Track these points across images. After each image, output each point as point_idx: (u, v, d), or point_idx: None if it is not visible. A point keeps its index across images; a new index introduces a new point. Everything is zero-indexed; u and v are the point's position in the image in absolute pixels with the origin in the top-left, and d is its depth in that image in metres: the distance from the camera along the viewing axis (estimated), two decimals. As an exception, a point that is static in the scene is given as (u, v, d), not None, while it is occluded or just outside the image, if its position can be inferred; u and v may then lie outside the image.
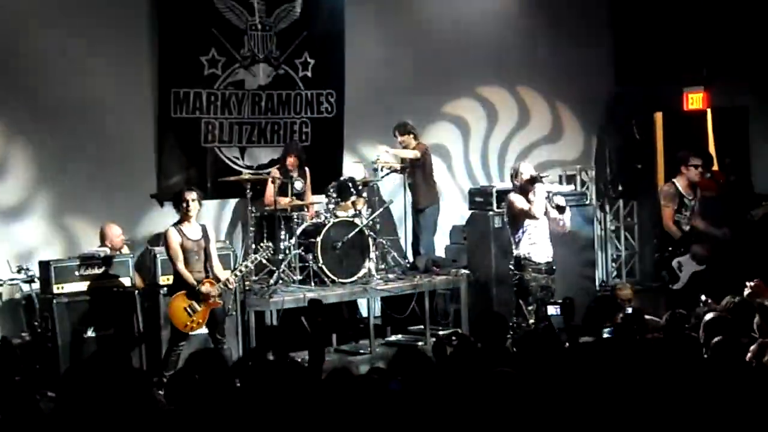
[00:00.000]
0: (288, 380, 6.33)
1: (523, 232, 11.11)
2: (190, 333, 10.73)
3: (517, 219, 11.16)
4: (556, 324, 9.12)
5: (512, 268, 11.35)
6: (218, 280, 10.69)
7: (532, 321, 10.89)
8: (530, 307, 11.05)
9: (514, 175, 11.29)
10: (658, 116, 15.65)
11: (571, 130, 16.26)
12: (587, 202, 14.47)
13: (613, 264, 16.15)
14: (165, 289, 11.15)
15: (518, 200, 11.13)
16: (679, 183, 12.22)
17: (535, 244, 11.12)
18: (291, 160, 12.88)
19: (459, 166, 15.44)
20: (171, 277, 10.93)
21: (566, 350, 8.01)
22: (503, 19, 15.51)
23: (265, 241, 11.76)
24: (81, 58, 12.42)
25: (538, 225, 11.12)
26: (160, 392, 9.74)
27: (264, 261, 11.82)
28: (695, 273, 11.93)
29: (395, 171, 13.69)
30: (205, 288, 10.55)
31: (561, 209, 11.23)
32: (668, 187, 12.36)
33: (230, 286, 10.87)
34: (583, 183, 15.63)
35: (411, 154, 13.48)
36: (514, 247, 11.26)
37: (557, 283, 11.36)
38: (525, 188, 11.11)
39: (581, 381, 6.65)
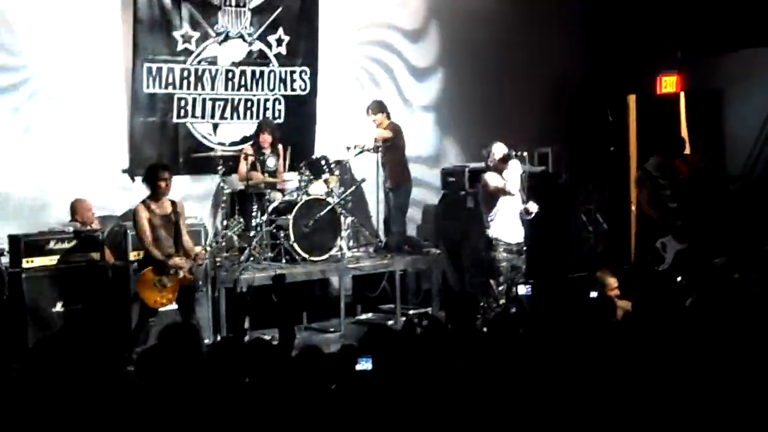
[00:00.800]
0: (258, 358, 6.31)
1: (497, 211, 11.16)
2: (159, 309, 10.70)
3: (492, 198, 11.22)
4: (526, 304, 9.13)
5: (483, 248, 11.40)
6: (188, 255, 10.66)
7: (502, 301, 10.93)
8: (500, 288, 11.10)
9: (487, 155, 11.35)
10: (632, 99, 15.66)
11: (543, 110, 16.27)
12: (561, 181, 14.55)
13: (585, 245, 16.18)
14: (135, 264, 11.10)
15: (492, 178, 11.19)
16: (650, 167, 12.32)
17: (507, 225, 11.18)
18: (264, 137, 12.85)
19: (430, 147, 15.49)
20: (142, 253, 10.90)
21: (535, 332, 8.01)
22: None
23: (236, 216, 11.71)
24: (53, 31, 12.33)
25: (511, 205, 11.17)
26: (130, 368, 9.78)
27: (235, 237, 11.80)
28: (679, 251, 12.00)
29: (368, 150, 13.65)
30: (174, 261, 10.51)
31: (529, 213, 11.30)
32: (639, 173, 12.50)
33: (200, 261, 10.85)
34: (555, 163, 15.62)
35: (384, 134, 13.46)
36: (486, 227, 11.30)
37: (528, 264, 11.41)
38: (498, 167, 11.16)
39: (548, 362, 6.66)
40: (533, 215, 11.30)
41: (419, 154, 15.04)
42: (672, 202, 12.30)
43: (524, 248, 11.30)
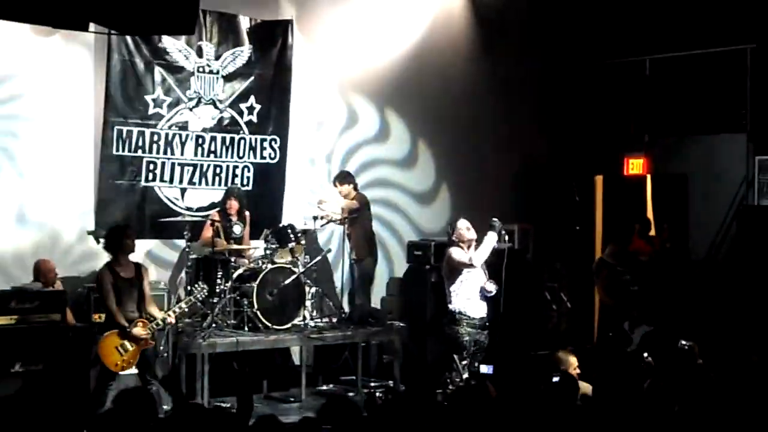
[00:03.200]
0: (215, 426, 6.28)
1: (460, 285, 11.21)
2: (120, 372, 10.66)
3: (455, 271, 11.29)
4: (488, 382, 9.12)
5: (445, 322, 11.43)
6: (151, 320, 10.63)
7: (465, 376, 10.92)
8: (464, 362, 11.10)
9: (451, 230, 11.59)
10: (599, 179, 15.79)
11: (510, 188, 16.37)
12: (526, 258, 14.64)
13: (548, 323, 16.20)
14: (97, 327, 11.06)
15: (456, 252, 11.29)
16: (606, 256, 12.48)
17: (470, 300, 11.24)
18: (231, 204, 12.83)
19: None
20: (104, 315, 10.85)
21: (497, 406, 8.00)
22: (445, 77, 15.67)
23: (200, 282, 11.69)
24: (25, 86, 12.36)
25: (474, 280, 11.22)
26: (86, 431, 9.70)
27: (198, 303, 11.76)
28: (646, 333, 12.04)
29: (333, 221, 13.65)
30: (137, 330, 10.50)
31: (488, 292, 11.37)
32: (594, 265, 12.66)
33: (170, 321, 10.83)
34: (520, 240, 15.68)
35: (350, 204, 13.48)
36: (449, 301, 11.33)
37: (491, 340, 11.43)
38: (464, 241, 11.25)
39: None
40: (492, 294, 11.35)
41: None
42: (633, 285, 12.36)
43: (487, 323, 11.34)
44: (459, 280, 11.27)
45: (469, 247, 11.38)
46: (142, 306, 10.67)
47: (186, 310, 11.67)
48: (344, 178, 13.66)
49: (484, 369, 9.49)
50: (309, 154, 14.64)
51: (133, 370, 10.79)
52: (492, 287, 11.28)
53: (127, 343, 10.52)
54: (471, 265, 11.20)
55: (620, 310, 12.36)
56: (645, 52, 16.31)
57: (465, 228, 11.41)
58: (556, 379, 9.04)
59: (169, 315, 10.93)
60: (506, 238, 11.61)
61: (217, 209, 13.02)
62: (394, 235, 15.38)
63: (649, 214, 15.39)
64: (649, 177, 15.96)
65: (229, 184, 13.47)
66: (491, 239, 11.29)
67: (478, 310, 11.29)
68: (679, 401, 7.74)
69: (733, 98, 15.49)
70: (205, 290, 11.35)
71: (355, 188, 13.65)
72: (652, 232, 14.65)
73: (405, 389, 8.42)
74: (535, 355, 12.77)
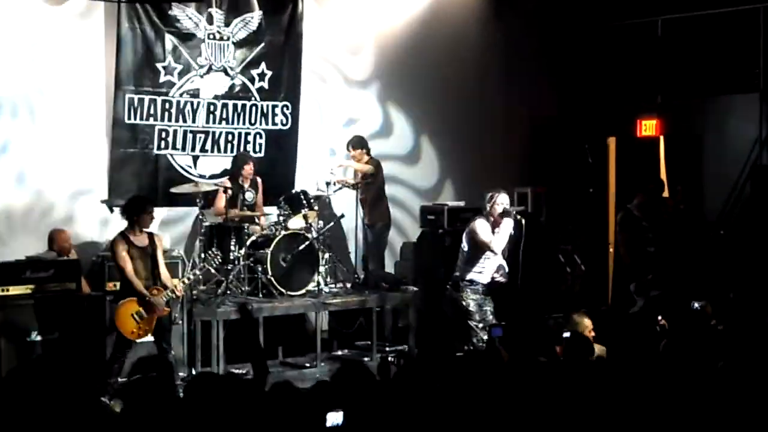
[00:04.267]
0: (231, 393, 6.30)
1: (477, 261, 11.15)
2: (136, 340, 10.72)
3: (476, 248, 11.19)
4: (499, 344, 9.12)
5: (449, 287, 11.38)
6: (166, 288, 10.69)
7: (482, 339, 10.89)
8: (480, 325, 11.06)
9: (489, 201, 11.26)
10: (612, 141, 15.74)
11: (523, 150, 16.36)
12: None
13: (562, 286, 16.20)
14: (111, 295, 11.11)
15: (483, 230, 11.15)
16: (633, 207, 12.36)
17: (482, 274, 11.17)
18: (243, 170, 12.83)
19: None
20: (118, 284, 10.90)
21: (508, 370, 8.01)
22: (458, 36, 15.61)
23: (214, 249, 11.71)
24: (37, 56, 12.38)
25: (492, 260, 11.15)
26: (104, 398, 9.76)
27: (212, 270, 11.79)
28: (652, 297, 12.03)
29: (347, 186, 13.67)
30: (154, 297, 10.56)
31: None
32: (620, 215, 12.52)
33: (177, 294, 10.88)
34: (534, 203, 15.66)
35: (365, 168, 13.51)
36: (457, 266, 11.29)
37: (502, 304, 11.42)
38: (494, 218, 11.15)
39: (524, 401, 6.66)
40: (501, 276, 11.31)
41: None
42: (651, 245, 12.29)
43: (492, 287, 11.28)
44: (478, 258, 11.19)
45: (495, 225, 11.26)
46: (156, 274, 10.73)
47: (200, 277, 11.73)
48: (358, 143, 13.69)
49: (495, 332, 9.47)
50: (321, 120, 14.61)
51: (150, 338, 10.86)
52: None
53: (143, 311, 10.60)
54: (492, 251, 11.11)
55: (634, 271, 12.32)
56: (657, 12, 16.22)
57: (502, 204, 11.20)
58: (567, 334, 9.05)
59: (182, 282, 10.99)
60: (522, 222, 11.38)
61: (229, 176, 13.02)
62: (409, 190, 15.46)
63: (663, 176, 15.33)
64: (662, 138, 15.90)
65: (241, 150, 13.45)
66: (507, 225, 11.17)
67: (484, 277, 11.23)
68: (694, 362, 7.73)
69: (746, 58, 15.40)
70: (218, 257, 11.39)
71: (368, 153, 13.67)
72: (666, 194, 14.61)
73: (418, 354, 8.44)
74: (549, 318, 12.76)
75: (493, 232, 11.12)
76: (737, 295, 12.54)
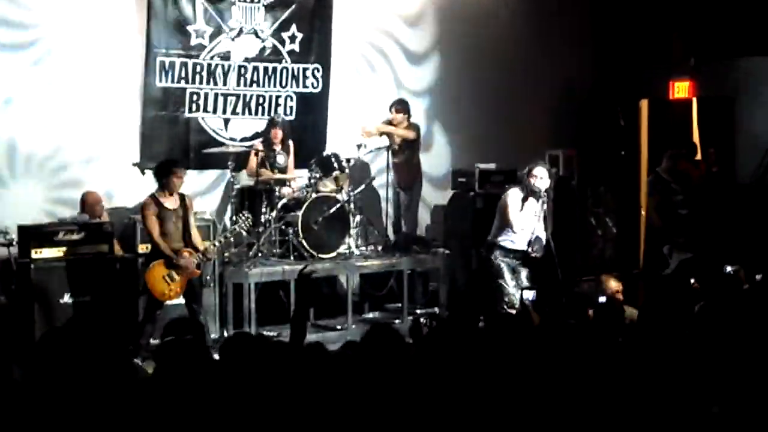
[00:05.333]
0: (267, 354, 6.32)
1: (506, 230, 11.15)
2: (167, 302, 10.79)
3: (502, 219, 11.21)
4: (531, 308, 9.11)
5: (483, 249, 11.39)
6: (197, 250, 10.74)
7: (515, 296, 10.89)
8: (512, 287, 11.07)
9: (528, 173, 11.24)
10: (644, 103, 15.65)
11: (554, 112, 16.30)
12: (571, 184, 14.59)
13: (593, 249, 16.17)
14: (143, 257, 11.18)
15: (512, 204, 11.17)
16: (662, 171, 12.29)
17: (514, 243, 11.16)
18: (275, 133, 12.83)
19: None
20: (150, 246, 10.95)
21: (540, 334, 8.01)
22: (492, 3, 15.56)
23: (244, 212, 11.75)
24: (66, 19, 12.40)
25: (525, 232, 11.12)
26: (136, 360, 9.82)
27: (243, 232, 11.82)
28: (684, 260, 11.99)
29: (383, 147, 13.65)
30: (183, 260, 10.61)
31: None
32: (651, 177, 12.46)
33: (209, 256, 10.92)
34: (565, 166, 15.62)
35: (406, 133, 13.49)
36: (492, 232, 11.29)
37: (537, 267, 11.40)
38: (529, 190, 11.13)
39: (553, 365, 6.66)
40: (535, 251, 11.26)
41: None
42: (682, 208, 12.24)
43: (525, 255, 11.25)
44: (505, 229, 11.19)
45: (528, 197, 11.19)
46: (188, 236, 10.78)
47: (231, 239, 11.75)
48: (401, 105, 13.67)
49: (527, 295, 9.44)
50: (352, 82, 14.58)
51: (181, 300, 10.93)
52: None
53: (174, 273, 10.65)
54: (511, 229, 11.11)
55: (666, 233, 12.28)
56: (691, -27, 16.11)
57: (539, 177, 11.14)
58: (602, 299, 9.03)
59: (213, 245, 11.04)
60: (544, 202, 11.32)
61: (261, 139, 13.04)
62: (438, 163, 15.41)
63: (695, 138, 15.26)
64: (695, 100, 15.81)
65: (272, 113, 13.45)
66: (531, 206, 11.09)
67: (515, 243, 11.23)
68: (728, 326, 7.69)
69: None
70: (249, 219, 11.42)
71: (409, 117, 13.64)
72: (698, 157, 14.54)
73: (448, 316, 8.45)
74: (581, 281, 12.74)
75: (523, 207, 11.10)
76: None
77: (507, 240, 11.21)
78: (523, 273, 11.24)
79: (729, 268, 10.07)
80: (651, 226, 12.98)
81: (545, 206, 11.18)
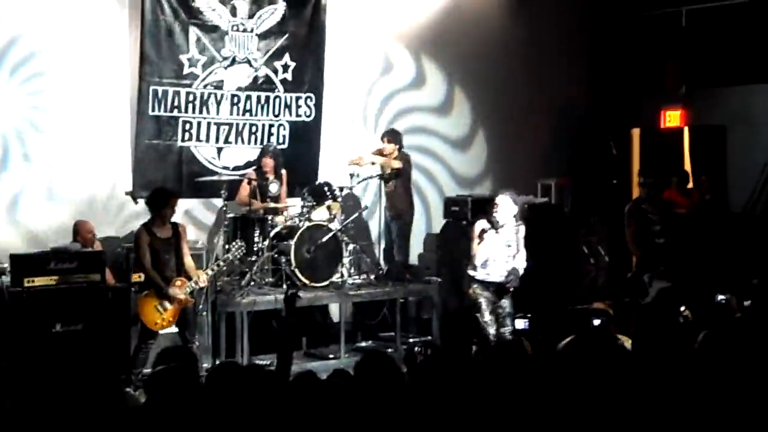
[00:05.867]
0: (254, 383, 6.30)
1: (476, 254, 11.10)
2: (159, 331, 10.77)
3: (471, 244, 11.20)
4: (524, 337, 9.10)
5: (465, 282, 11.36)
6: (190, 279, 10.74)
7: (492, 332, 10.89)
8: (487, 320, 11.04)
9: (491, 201, 11.26)
10: (635, 132, 15.71)
11: (547, 141, 16.35)
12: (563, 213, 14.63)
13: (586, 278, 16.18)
14: (136, 286, 11.16)
15: (475, 231, 11.16)
16: (640, 200, 12.36)
17: (484, 266, 11.10)
18: (267, 162, 12.85)
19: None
20: (143, 275, 10.94)
21: (533, 361, 8.00)
22: (481, 29, 15.59)
23: (237, 240, 11.75)
24: (60, 47, 12.40)
25: (493, 248, 11.06)
26: (128, 389, 9.78)
27: (236, 261, 11.82)
28: (663, 289, 12.00)
29: (374, 177, 13.65)
30: (174, 289, 10.61)
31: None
32: (627, 207, 12.52)
33: (201, 285, 10.91)
34: (558, 194, 15.65)
35: (393, 164, 13.49)
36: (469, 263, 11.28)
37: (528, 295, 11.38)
38: (488, 220, 11.09)
39: (547, 390, 6.65)
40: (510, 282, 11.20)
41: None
42: (660, 237, 12.24)
43: (505, 287, 11.18)
44: (474, 253, 11.15)
45: (491, 225, 11.08)
46: (181, 265, 10.77)
47: (224, 268, 11.75)
48: (392, 135, 13.67)
49: (520, 324, 9.44)
50: (345, 111, 14.60)
51: (174, 329, 10.92)
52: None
53: (165, 303, 10.65)
54: (473, 260, 11.10)
55: (644, 262, 12.29)
56: (681, 2, 16.17)
57: (500, 205, 11.10)
58: (597, 322, 9.02)
59: (206, 273, 11.03)
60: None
61: (254, 168, 13.05)
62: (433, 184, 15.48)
63: (687, 167, 15.30)
64: (686, 129, 15.86)
65: (265, 142, 13.47)
66: (490, 238, 11.07)
67: (491, 275, 11.17)
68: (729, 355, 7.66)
69: (769, 47, 15.36)
70: (242, 248, 11.43)
71: (400, 148, 13.64)
72: (690, 185, 14.57)
73: (439, 345, 8.44)
74: (573, 310, 12.74)
75: (482, 239, 11.06)
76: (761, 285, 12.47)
77: (481, 272, 11.16)
78: (506, 303, 11.17)
79: (720, 297, 10.07)
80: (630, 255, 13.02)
81: (517, 234, 11.11)
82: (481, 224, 11.11)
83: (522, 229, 11.15)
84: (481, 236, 11.02)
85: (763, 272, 13.08)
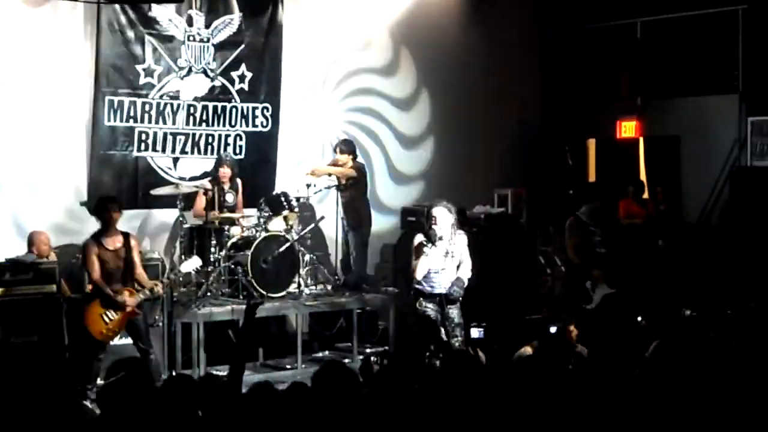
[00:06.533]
0: (208, 394, 6.29)
1: (419, 265, 11.01)
2: (110, 342, 10.70)
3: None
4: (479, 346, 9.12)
5: (412, 295, 11.26)
6: (139, 289, 10.63)
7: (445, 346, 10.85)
8: (441, 332, 10.99)
9: (427, 214, 11.07)
10: (591, 143, 15.79)
11: (503, 152, 16.41)
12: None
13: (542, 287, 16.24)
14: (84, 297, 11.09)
15: (415, 244, 10.98)
16: (582, 214, 12.45)
17: (427, 278, 11.02)
18: (223, 172, 12.81)
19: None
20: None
21: (488, 369, 8.03)
22: (438, 38, 15.65)
23: (194, 252, 11.72)
24: (16, 58, 12.35)
25: (434, 260, 10.96)
26: (85, 402, 9.73)
27: (192, 272, 11.77)
28: (606, 295, 12.09)
29: (330, 188, 13.64)
30: (122, 297, 10.50)
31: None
32: (569, 221, 12.62)
33: (156, 295, 10.85)
34: (514, 204, 15.69)
35: (346, 172, 13.48)
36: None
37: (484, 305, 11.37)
38: (429, 232, 10.98)
39: (503, 399, 6.67)
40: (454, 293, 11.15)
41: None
42: (601, 247, 12.33)
43: (452, 298, 11.01)
44: (414, 263, 11.04)
45: (429, 239, 10.84)
46: (130, 276, 10.69)
47: (180, 279, 11.71)
48: (345, 145, 13.66)
49: (475, 333, 9.43)
50: (301, 121, 14.60)
51: (129, 340, 10.85)
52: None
53: (111, 312, 10.55)
54: (413, 273, 11.00)
55: (585, 271, 12.39)
56: (636, 14, 16.29)
57: (436, 218, 10.85)
58: (553, 329, 9.03)
59: (157, 284, 10.94)
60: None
61: (209, 178, 13.00)
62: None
63: (642, 177, 15.39)
64: (641, 139, 15.96)
65: (221, 152, 13.43)
66: (430, 254, 11.01)
67: (435, 288, 10.99)
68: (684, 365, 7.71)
69: (725, 59, 15.48)
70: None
71: (354, 158, 13.64)
72: (646, 195, 14.67)
73: (394, 355, 8.44)
74: (529, 320, 12.80)
75: (421, 252, 10.90)
76: (718, 297, 12.58)
77: (425, 285, 11.11)
78: (454, 313, 11.05)
79: (687, 312, 10.12)
80: (570, 265, 13.08)
81: (455, 245, 11.04)
82: (418, 238, 10.98)
83: (462, 237, 11.07)
84: (419, 251, 10.92)
85: (721, 282, 13.23)
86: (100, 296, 10.55)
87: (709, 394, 6.95)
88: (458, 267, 10.99)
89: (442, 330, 10.89)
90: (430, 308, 10.95)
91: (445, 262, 10.92)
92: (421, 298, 10.97)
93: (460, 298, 10.97)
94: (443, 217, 10.92)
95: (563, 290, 13.36)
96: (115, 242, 10.66)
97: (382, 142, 15.62)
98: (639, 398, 6.83)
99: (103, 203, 10.83)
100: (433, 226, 10.85)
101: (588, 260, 12.15)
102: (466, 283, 11.01)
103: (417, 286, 11.03)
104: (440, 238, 10.80)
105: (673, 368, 7.50)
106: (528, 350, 9.61)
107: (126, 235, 10.78)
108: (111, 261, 10.61)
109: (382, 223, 14.93)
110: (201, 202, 12.70)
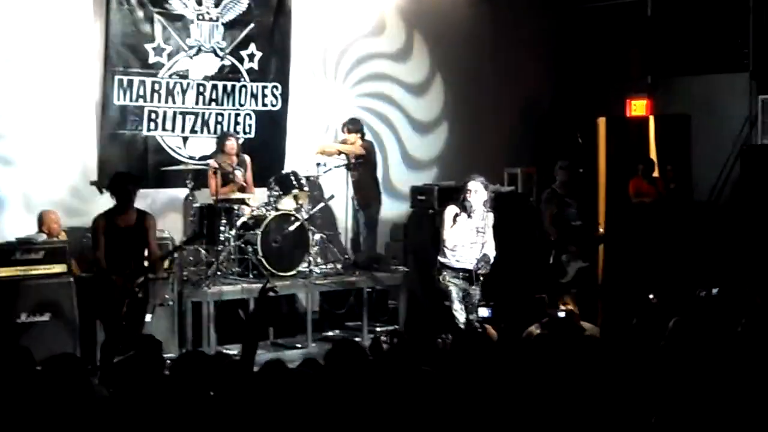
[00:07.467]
0: (220, 372, 6.30)
1: (446, 239, 11.06)
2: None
3: (441, 229, 11.16)
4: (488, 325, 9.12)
5: (435, 270, 11.30)
6: (151, 268, 10.31)
7: (462, 320, 10.89)
8: (457, 308, 11.02)
9: (463, 187, 11.16)
10: (601, 121, 15.74)
11: (513, 130, 16.39)
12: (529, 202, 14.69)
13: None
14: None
15: (446, 220, 11.08)
16: (557, 186, 12.48)
17: (454, 252, 11.06)
18: (230, 145, 12.81)
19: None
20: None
21: (497, 349, 8.02)
22: (448, 17, 15.61)
23: (203, 231, 11.74)
24: (25, 37, 12.35)
25: (463, 235, 11.01)
26: (95, 380, 9.73)
27: (201, 251, 11.78)
28: (581, 268, 12.11)
29: (340, 167, 13.65)
30: (118, 278, 10.03)
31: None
32: (545, 194, 12.63)
33: (161, 274, 10.78)
34: (524, 183, 15.68)
35: (355, 150, 13.49)
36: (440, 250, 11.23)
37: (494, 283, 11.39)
38: (461, 205, 11.06)
39: (513, 379, 6.67)
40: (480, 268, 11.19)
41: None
42: (576, 220, 12.37)
43: (475, 275, 11.14)
44: (444, 239, 11.08)
45: (463, 210, 11.04)
46: (142, 256, 10.23)
47: (189, 258, 11.72)
48: (352, 124, 13.67)
49: (483, 312, 9.44)
50: (311, 101, 14.59)
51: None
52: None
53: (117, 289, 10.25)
54: (444, 244, 11.07)
55: (560, 243, 12.42)
56: (646, -8, 16.24)
57: (472, 191, 11.01)
58: (561, 314, 9.03)
59: (169, 261, 10.88)
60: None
61: (215, 157, 12.93)
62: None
63: (653, 155, 15.35)
64: (652, 118, 15.91)
65: (231, 131, 13.42)
66: (462, 222, 11.05)
67: (461, 262, 11.15)
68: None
69: (735, 37, 15.41)
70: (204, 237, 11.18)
71: (362, 136, 13.65)
72: (656, 174, 14.63)
73: (405, 333, 8.43)
74: (538, 299, 12.78)
75: (455, 223, 11.03)
76: (728, 276, 12.56)
77: (452, 258, 11.17)
78: (476, 291, 11.14)
79: (703, 293, 10.12)
80: (545, 239, 13.13)
81: (485, 221, 11.10)
82: (453, 209, 11.08)
83: (491, 216, 11.14)
84: (454, 220, 11.00)
85: (730, 260, 13.21)
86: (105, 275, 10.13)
87: (727, 371, 6.95)
88: (483, 245, 11.05)
89: (463, 307, 10.95)
90: (454, 283, 11.00)
91: (476, 237, 11.00)
92: (445, 273, 11.03)
93: (485, 275, 11.02)
94: (479, 191, 11.03)
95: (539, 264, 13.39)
96: (127, 220, 10.12)
97: (395, 128, 15.60)
98: (661, 373, 6.82)
99: (119, 179, 10.35)
100: (468, 198, 10.91)
101: (564, 233, 12.21)
102: (492, 261, 11.07)
103: (442, 259, 11.11)
104: (474, 211, 10.87)
105: (696, 344, 7.48)
106: (535, 330, 9.62)
107: (143, 215, 10.29)
108: (121, 239, 10.05)
109: (395, 208, 14.92)
110: (213, 182, 12.63)
